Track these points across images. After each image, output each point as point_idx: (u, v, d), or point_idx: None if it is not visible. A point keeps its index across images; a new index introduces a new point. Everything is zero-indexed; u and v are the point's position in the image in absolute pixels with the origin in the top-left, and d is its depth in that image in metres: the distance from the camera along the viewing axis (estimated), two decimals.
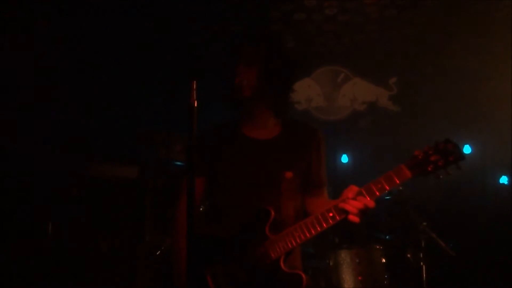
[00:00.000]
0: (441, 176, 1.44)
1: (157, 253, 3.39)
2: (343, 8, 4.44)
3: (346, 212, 1.47)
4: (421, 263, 3.31)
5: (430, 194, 4.44)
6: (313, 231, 1.50)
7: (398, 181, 1.44)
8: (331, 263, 3.18)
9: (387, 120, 5.20)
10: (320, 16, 4.55)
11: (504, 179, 4.72)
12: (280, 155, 1.67)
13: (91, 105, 4.26)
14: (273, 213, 1.55)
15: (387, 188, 1.44)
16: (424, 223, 3.34)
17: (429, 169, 1.43)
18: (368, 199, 1.45)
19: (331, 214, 1.49)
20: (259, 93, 1.66)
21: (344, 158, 5.03)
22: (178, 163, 3.86)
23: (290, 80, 1.73)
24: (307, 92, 5.37)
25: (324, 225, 1.50)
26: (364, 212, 1.46)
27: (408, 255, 3.42)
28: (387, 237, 3.67)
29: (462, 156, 1.42)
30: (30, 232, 3.45)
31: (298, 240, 1.51)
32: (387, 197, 3.91)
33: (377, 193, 1.46)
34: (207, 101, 1.55)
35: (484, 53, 4.57)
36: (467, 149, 4.88)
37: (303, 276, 1.50)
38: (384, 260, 3.18)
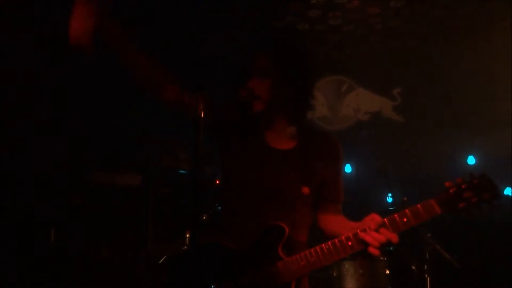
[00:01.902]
0: (471, 214, 1.35)
1: (160, 261, 3.38)
2: (347, 19, 4.47)
3: (366, 244, 1.39)
4: (426, 275, 3.28)
5: None
6: (329, 259, 1.43)
7: (426, 217, 1.36)
8: (334, 274, 3.16)
9: (391, 130, 5.20)
10: (324, 26, 4.58)
11: (508, 191, 4.69)
12: (298, 168, 1.58)
13: (95, 112, 4.28)
14: (287, 231, 1.47)
15: (413, 223, 1.37)
16: (429, 235, 3.31)
17: (461, 206, 1.35)
18: (392, 233, 1.38)
19: (350, 243, 1.41)
20: (273, 106, 1.57)
21: (348, 168, 5.02)
22: (182, 171, 3.86)
23: (309, 88, 1.62)
24: None
25: (342, 254, 1.42)
26: (385, 246, 1.39)
27: (413, 267, 3.40)
28: (391, 248, 3.64)
29: (499, 194, 1.33)
30: (33, 239, 3.45)
31: (312, 267, 1.44)
32: (391, 208, 3.90)
33: (402, 228, 1.39)
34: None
35: (487, 63, 4.58)
36: (471, 160, 4.87)
37: None
38: (388, 272, 3.16)
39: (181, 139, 3.88)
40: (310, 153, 1.61)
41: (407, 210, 1.39)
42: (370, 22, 4.51)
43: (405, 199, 3.62)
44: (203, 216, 3.25)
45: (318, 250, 1.44)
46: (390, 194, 4.47)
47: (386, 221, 1.39)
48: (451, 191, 1.37)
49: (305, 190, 1.55)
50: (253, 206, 1.56)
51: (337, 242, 1.43)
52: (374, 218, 1.42)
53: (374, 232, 1.38)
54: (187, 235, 3.25)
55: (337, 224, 1.63)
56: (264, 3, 4.21)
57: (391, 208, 3.88)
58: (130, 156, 4.10)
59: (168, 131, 4.02)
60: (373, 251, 1.39)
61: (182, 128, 3.79)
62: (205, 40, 4.68)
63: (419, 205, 1.39)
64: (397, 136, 5.09)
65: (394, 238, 1.38)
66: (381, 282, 3.12)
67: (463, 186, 1.36)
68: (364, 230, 1.40)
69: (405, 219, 1.39)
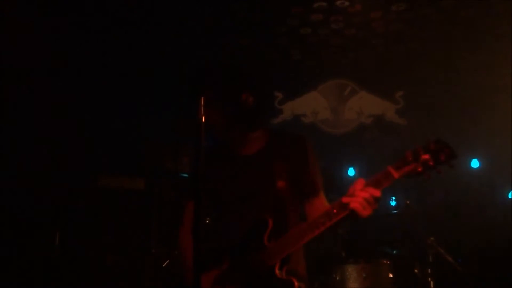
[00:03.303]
0: (430, 177, 1.39)
1: (163, 265, 3.39)
2: (349, 23, 4.48)
3: (349, 207, 1.43)
4: (429, 279, 3.28)
5: (438, 208, 4.41)
6: (315, 230, 1.49)
7: (386, 184, 1.42)
8: (337, 278, 3.15)
9: (394, 133, 5.19)
10: (326, 30, 4.60)
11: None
12: (270, 166, 1.69)
13: (99, 117, 4.31)
14: (271, 222, 1.58)
15: (381, 188, 1.42)
16: (432, 238, 3.31)
17: (419, 169, 1.39)
18: (373, 189, 1.42)
19: (335, 211, 1.46)
20: (229, 127, 1.69)
21: (351, 171, 5.02)
22: (185, 175, 3.88)
23: (257, 99, 1.70)
24: (314, 105, 5.40)
25: (327, 222, 1.47)
26: (369, 204, 1.41)
27: (416, 270, 3.39)
28: (394, 251, 3.64)
29: (454, 154, 1.36)
30: (38, 243, 3.47)
31: (291, 247, 1.52)
32: (394, 211, 3.89)
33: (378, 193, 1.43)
34: None
35: (490, 66, 4.58)
36: (475, 164, 4.85)
37: (295, 282, 1.51)
38: (391, 275, 3.15)
39: (183, 143, 3.90)
40: (276, 153, 1.71)
41: (368, 180, 1.44)
42: (372, 26, 4.53)
43: (408, 202, 3.62)
44: (206, 219, 3.26)
45: (296, 229, 1.54)
46: (393, 198, 4.46)
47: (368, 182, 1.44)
48: (408, 156, 1.41)
49: (280, 184, 1.65)
50: (237, 212, 1.69)
51: (312, 222, 1.51)
52: (360, 181, 1.46)
53: (359, 191, 1.43)
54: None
55: (319, 210, 1.66)
56: (267, 7, 4.24)
57: (395, 212, 3.87)
58: (134, 161, 4.13)
59: (171, 135, 4.05)
60: (356, 206, 1.40)
61: (184, 132, 3.82)
62: (207, 44, 4.71)
63: (377, 174, 1.44)
64: (400, 139, 5.08)
65: (377, 192, 1.41)
66: (384, 285, 3.11)
67: (420, 151, 1.40)
68: (346, 195, 1.46)
69: (367, 188, 1.43)
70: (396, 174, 1.41)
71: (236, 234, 1.64)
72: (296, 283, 1.50)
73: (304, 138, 1.76)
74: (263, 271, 1.54)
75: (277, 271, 1.53)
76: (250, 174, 1.70)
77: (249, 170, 1.71)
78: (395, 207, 4.32)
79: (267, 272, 1.53)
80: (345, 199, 1.45)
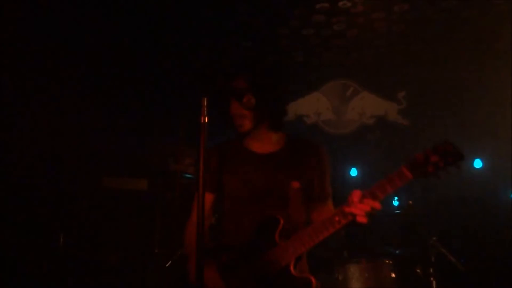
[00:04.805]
0: (441, 177, 1.44)
1: (167, 265, 3.41)
2: (352, 24, 4.49)
3: (352, 215, 1.48)
4: (431, 279, 3.28)
5: (440, 208, 4.40)
6: (320, 236, 1.54)
7: (400, 184, 1.46)
8: (340, 278, 3.16)
9: (396, 134, 5.20)
10: (329, 31, 4.61)
11: None
12: (285, 167, 1.73)
13: (102, 119, 4.34)
14: (282, 220, 1.61)
15: (390, 191, 1.46)
16: (434, 238, 3.31)
17: (430, 170, 1.43)
18: (374, 201, 1.47)
19: (337, 218, 1.52)
20: (256, 123, 1.72)
21: (353, 172, 5.03)
22: (188, 175, 3.90)
23: (283, 101, 1.78)
24: (316, 106, 5.41)
25: (331, 229, 1.52)
26: (370, 214, 1.47)
27: (418, 270, 3.39)
28: (397, 251, 3.64)
29: (461, 156, 1.41)
30: (42, 243, 3.50)
31: (306, 246, 1.55)
32: (397, 211, 3.89)
33: (381, 197, 1.48)
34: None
35: (492, 66, 4.58)
36: (478, 164, 4.84)
37: (313, 279, 1.54)
38: (393, 275, 3.15)
39: (186, 144, 3.92)
40: (293, 155, 1.76)
41: (383, 180, 1.48)
42: (374, 26, 4.53)
43: (410, 202, 3.62)
44: (211, 219, 3.27)
45: (310, 229, 1.57)
46: (396, 198, 4.46)
47: (367, 193, 1.49)
48: (419, 157, 1.45)
49: (295, 184, 1.70)
50: (248, 209, 1.70)
51: (326, 220, 1.55)
52: (356, 193, 1.51)
53: (358, 204, 1.48)
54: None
55: (326, 215, 1.70)
56: (269, 8, 4.25)
57: (397, 212, 3.88)
58: (137, 161, 4.15)
59: (174, 136, 4.07)
60: (361, 219, 1.47)
61: (187, 133, 3.84)
62: (210, 46, 4.73)
63: (392, 174, 1.48)
64: (402, 140, 5.08)
65: (377, 205, 1.47)
66: (386, 285, 3.11)
67: (429, 153, 1.44)
68: (347, 204, 1.50)
69: (382, 188, 1.48)
70: (409, 175, 1.45)
71: (246, 231, 1.65)
72: (313, 279, 1.53)
73: (321, 147, 1.81)
74: (279, 270, 1.55)
75: (292, 270, 1.55)
76: (263, 173, 1.73)
77: (263, 169, 1.74)
78: (398, 207, 4.32)
79: (283, 271, 1.55)
80: (347, 209, 1.50)
